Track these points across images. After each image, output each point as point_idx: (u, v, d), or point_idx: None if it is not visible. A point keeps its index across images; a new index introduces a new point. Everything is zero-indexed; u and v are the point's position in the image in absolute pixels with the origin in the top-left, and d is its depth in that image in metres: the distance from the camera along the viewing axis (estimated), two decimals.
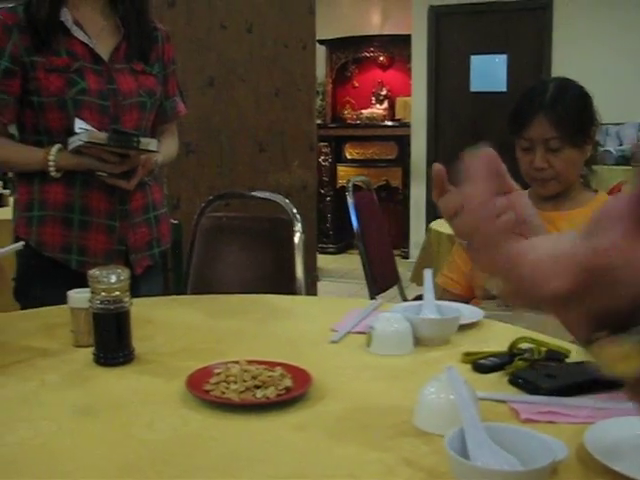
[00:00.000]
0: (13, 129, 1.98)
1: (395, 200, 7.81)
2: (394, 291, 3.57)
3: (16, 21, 1.85)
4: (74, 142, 1.83)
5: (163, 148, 2.01)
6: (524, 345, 1.32)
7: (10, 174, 6.72)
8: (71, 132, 1.84)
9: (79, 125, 1.82)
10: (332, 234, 7.95)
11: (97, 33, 1.93)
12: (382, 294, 3.29)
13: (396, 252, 4.99)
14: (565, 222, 1.94)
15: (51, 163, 1.87)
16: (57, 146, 1.88)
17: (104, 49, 1.93)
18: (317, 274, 5.32)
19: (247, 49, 3.94)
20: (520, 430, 0.88)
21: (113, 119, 1.91)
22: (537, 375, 1.19)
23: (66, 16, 1.88)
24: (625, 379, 0.61)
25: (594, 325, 0.63)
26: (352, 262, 7.24)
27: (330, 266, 7.29)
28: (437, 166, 0.81)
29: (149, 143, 1.88)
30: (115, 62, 1.94)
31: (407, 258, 7.19)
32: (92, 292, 1.34)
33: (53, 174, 1.88)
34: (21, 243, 1.54)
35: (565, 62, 6.59)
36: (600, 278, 0.58)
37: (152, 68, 2.01)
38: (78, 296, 1.43)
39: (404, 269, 4.01)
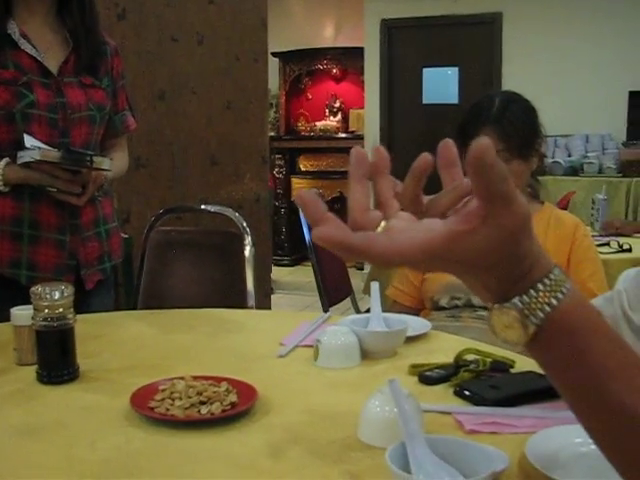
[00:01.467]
0: None
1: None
2: (348, 303, 3.58)
3: None
4: (24, 157, 1.81)
5: (113, 163, 2.00)
6: (469, 356, 1.33)
7: None
8: (19, 146, 1.82)
9: (29, 142, 1.80)
10: (287, 246, 7.95)
11: (45, 46, 1.91)
12: (336, 306, 3.29)
13: (350, 264, 5.00)
14: None
15: None
16: (5, 160, 1.85)
17: (52, 62, 1.91)
18: (271, 287, 5.31)
19: (198, 62, 3.93)
20: (461, 441, 0.89)
21: (62, 133, 1.89)
22: (482, 386, 1.21)
23: (13, 29, 1.86)
24: (513, 345, 0.67)
25: (486, 295, 0.69)
26: (307, 274, 7.24)
27: (285, 279, 7.28)
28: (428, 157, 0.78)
29: (102, 162, 1.86)
30: (64, 75, 1.92)
31: (361, 270, 7.20)
32: (35, 309, 1.31)
33: (1, 188, 1.86)
34: None
35: (515, 75, 6.69)
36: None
37: (101, 82, 2.00)
38: (21, 313, 1.41)
39: (358, 280, 4.01)
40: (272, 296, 5.09)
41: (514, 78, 6.59)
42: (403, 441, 0.86)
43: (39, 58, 1.88)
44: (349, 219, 0.65)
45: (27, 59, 1.87)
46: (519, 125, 1.98)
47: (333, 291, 3.34)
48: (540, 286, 0.66)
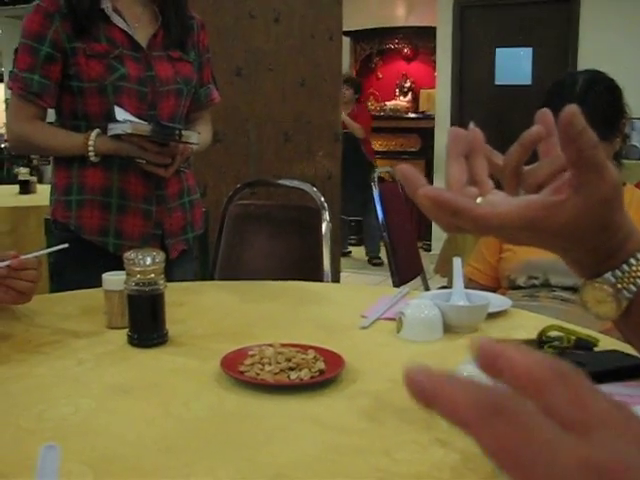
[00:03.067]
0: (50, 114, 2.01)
1: None
2: (417, 282, 3.58)
3: (57, 8, 1.87)
4: (115, 129, 1.86)
5: (200, 136, 2.04)
6: (553, 333, 1.33)
7: (35, 161, 6.76)
8: (109, 117, 1.87)
9: (120, 115, 1.85)
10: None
11: (135, 21, 1.96)
12: (406, 285, 3.30)
13: (418, 245, 4.99)
14: None
15: (91, 148, 1.90)
16: (96, 131, 1.91)
17: (142, 36, 1.96)
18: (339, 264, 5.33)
19: (274, 39, 3.95)
20: None
21: (151, 105, 1.94)
22: (567, 362, 1.20)
23: (106, 4, 1.91)
24: (605, 319, 0.70)
25: (579, 271, 0.72)
26: None
27: (351, 257, 7.30)
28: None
29: (190, 135, 1.91)
30: (153, 49, 1.97)
31: (429, 251, 7.19)
32: (127, 274, 1.36)
33: (92, 158, 1.92)
34: (65, 245, 1.58)
35: (591, 56, 6.54)
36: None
37: (188, 56, 2.05)
38: (112, 278, 1.46)
39: (426, 262, 4.01)
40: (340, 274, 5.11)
41: (590, 59, 6.44)
42: None
43: (130, 32, 1.93)
44: None
45: (119, 33, 1.92)
46: (603, 105, 1.95)
47: (403, 269, 3.35)
48: (633, 261, 0.68)
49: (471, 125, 0.73)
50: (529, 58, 7.05)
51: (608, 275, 0.68)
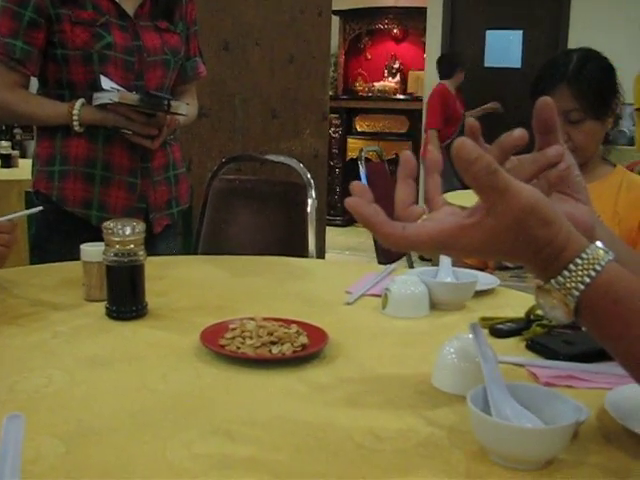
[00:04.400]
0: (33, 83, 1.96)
1: None
2: (402, 263, 3.57)
3: None
4: (101, 98, 1.81)
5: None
6: (541, 311, 1.31)
7: (19, 136, 6.68)
8: (94, 87, 1.82)
9: (106, 84, 1.80)
10: (340, 206, 7.92)
11: None
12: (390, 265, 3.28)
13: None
14: None
15: (75, 117, 1.86)
16: (81, 100, 1.86)
17: (129, 5, 1.90)
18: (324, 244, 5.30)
19: (263, 14, 3.90)
20: (543, 390, 0.87)
21: (137, 76, 1.90)
22: (555, 341, 1.18)
23: None
24: (562, 323, 0.75)
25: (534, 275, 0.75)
26: (359, 235, 7.24)
27: (337, 238, 7.27)
28: (471, 120, 0.82)
29: (179, 106, 1.87)
30: (140, 19, 1.92)
31: None
32: (106, 244, 1.32)
33: (76, 128, 1.87)
34: (39, 208, 1.53)
35: (581, 40, 6.46)
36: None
37: (176, 27, 2.00)
38: (91, 249, 1.41)
39: None
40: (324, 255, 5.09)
41: (580, 43, 6.38)
42: (484, 386, 0.84)
43: (117, 0, 1.87)
44: (395, 213, 0.74)
45: (105, 1, 1.87)
46: (595, 84, 1.92)
47: (389, 250, 3.32)
48: (572, 266, 0.70)
49: (430, 148, 0.78)
50: (519, 41, 7.02)
51: (552, 282, 0.71)
